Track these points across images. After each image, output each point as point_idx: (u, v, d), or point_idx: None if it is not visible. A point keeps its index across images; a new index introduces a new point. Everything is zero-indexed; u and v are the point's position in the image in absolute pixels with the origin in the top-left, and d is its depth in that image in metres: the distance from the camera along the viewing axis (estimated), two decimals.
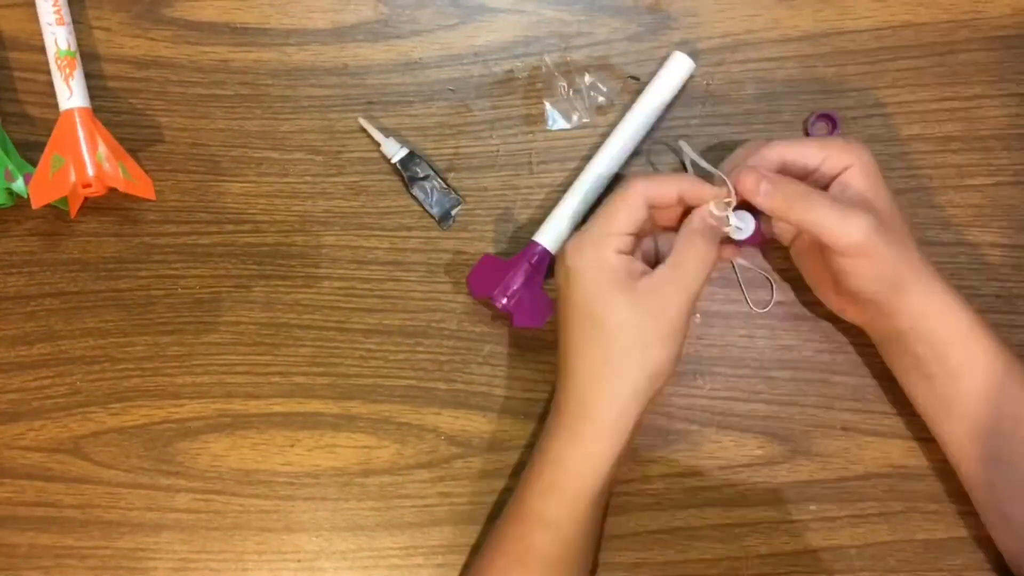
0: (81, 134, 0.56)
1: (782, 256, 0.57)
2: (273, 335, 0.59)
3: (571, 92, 0.58)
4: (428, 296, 0.58)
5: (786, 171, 0.50)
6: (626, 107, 0.57)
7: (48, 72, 0.57)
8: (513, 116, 0.58)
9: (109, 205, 0.59)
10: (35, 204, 0.55)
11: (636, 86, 0.57)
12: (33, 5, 0.57)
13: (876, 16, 0.57)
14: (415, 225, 0.59)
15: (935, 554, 0.57)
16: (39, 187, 0.55)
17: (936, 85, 0.57)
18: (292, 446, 0.59)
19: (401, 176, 0.58)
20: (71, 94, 0.56)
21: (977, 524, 0.55)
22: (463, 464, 0.58)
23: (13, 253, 0.59)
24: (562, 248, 0.52)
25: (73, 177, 0.55)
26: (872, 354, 0.55)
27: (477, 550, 0.57)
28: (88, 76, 0.58)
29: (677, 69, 0.56)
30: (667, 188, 0.50)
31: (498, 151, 0.58)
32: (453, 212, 0.58)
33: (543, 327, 0.56)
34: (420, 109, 0.59)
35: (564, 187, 0.57)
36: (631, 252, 0.50)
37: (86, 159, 0.55)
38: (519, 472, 0.58)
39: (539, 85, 0.58)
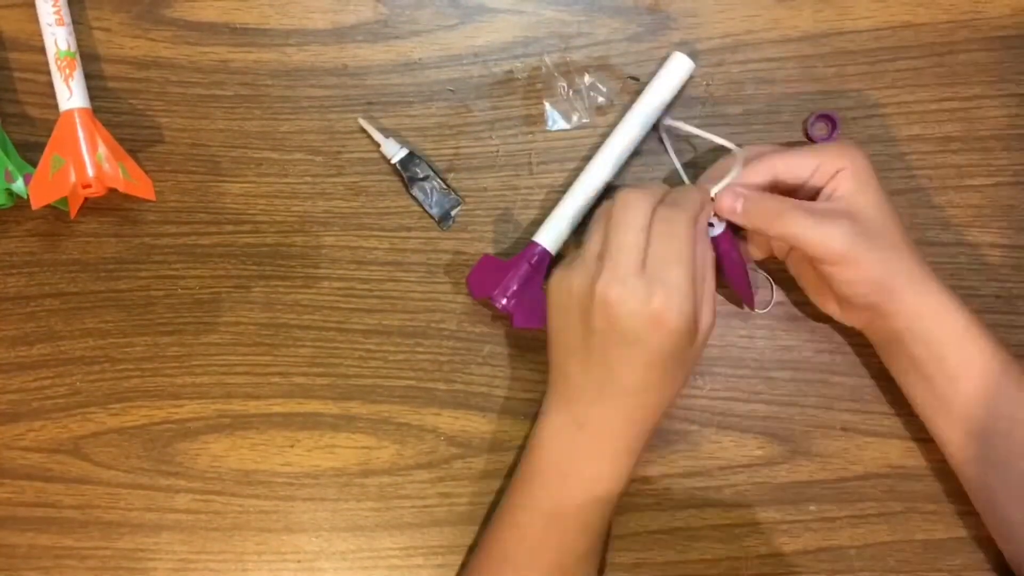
0: (81, 135, 0.56)
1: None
2: (273, 335, 0.59)
3: (571, 92, 0.58)
4: (428, 296, 0.58)
5: (779, 183, 0.51)
6: (626, 107, 0.57)
7: (48, 73, 0.57)
8: (513, 116, 0.58)
9: (109, 206, 0.59)
10: (35, 205, 0.55)
11: (636, 86, 0.57)
12: (33, 5, 0.57)
13: (876, 17, 0.57)
14: (415, 225, 0.59)
15: (934, 554, 0.57)
16: (39, 188, 0.55)
17: (936, 85, 0.57)
18: (292, 446, 0.59)
19: (401, 177, 0.58)
20: (71, 95, 0.56)
21: (976, 524, 0.55)
22: (463, 465, 0.58)
23: (13, 254, 0.59)
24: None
25: (73, 178, 0.55)
26: (871, 355, 0.55)
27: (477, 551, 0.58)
28: (88, 77, 0.58)
29: (677, 69, 0.56)
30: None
31: (498, 151, 0.58)
32: (453, 213, 0.58)
33: (543, 327, 0.56)
34: (420, 110, 0.59)
35: (564, 187, 0.57)
36: None
37: (86, 160, 0.55)
38: None
39: (539, 85, 0.58)
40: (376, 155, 0.58)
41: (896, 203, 0.55)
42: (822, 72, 0.57)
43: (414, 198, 0.58)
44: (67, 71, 0.56)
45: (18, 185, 0.56)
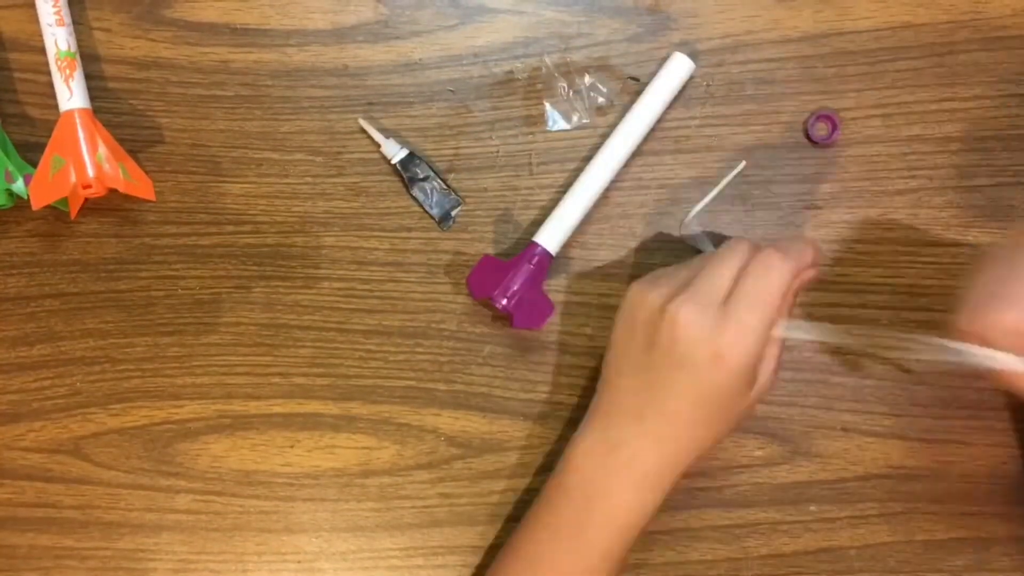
0: (81, 135, 0.56)
1: None
2: (273, 336, 0.59)
3: (571, 93, 0.58)
4: (428, 297, 0.58)
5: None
6: (626, 108, 0.57)
7: (48, 73, 0.57)
8: (513, 117, 0.58)
9: (109, 206, 0.59)
10: (35, 205, 0.55)
11: (636, 87, 0.57)
12: (33, 6, 0.57)
13: (876, 17, 0.57)
14: (415, 226, 0.59)
15: (935, 555, 0.57)
16: (39, 188, 0.55)
17: (936, 86, 0.57)
18: (292, 447, 0.59)
19: (401, 177, 0.58)
20: (71, 95, 0.56)
21: (977, 525, 0.55)
22: (463, 465, 0.58)
23: (13, 254, 0.59)
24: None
25: (73, 178, 0.55)
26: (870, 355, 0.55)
27: (476, 551, 0.57)
28: (88, 77, 0.58)
29: (677, 70, 0.56)
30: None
31: (498, 152, 0.58)
32: (453, 213, 0.58)
33: (543, 328, 0.56)
34: (420, 110, 0.59)
35: (564, 188, 0.57)
36: None
37: (86, 160, 0.55)
38: (519, 473, 0.58)
39: (539, 86, 0.58)
40: (376, 155, 0.58)
41: (896, 203, 0.55)
42: (822, 72, 0.57)
43: (414, 198, 0.58)
44: (67, 71, 0.56)
45: (18, 185, 0.56)
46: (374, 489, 0.58)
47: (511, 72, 0.58)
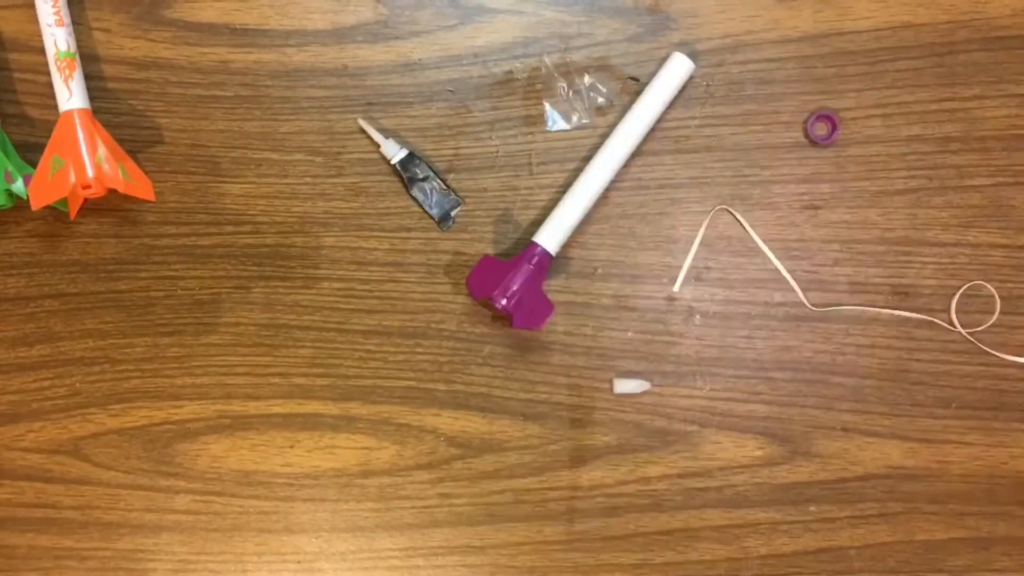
0: (81, 135, 0.56)
1: (781, 258, 0.57)
2: (273, 336, 0.59)
3: (571, 93, 0.58)
4: (428, 297, 0.58)
5: None
6: (626, 108, 0.57)
7: (48, 73, 0.57)
8: (513, 117, 0.58)
9: (109, 206, 0.59)
10: (35, 205, 0.55)
11: (636, 87, 0.57)
12: (33, 6, 0.57)
13: (876, 17, 0.57)
14: (415, 226, 0.59)
15: (935, 555, 0.57)
16: (39, 188, 0.55)
17: (936, 86, 0.57)
18: (292, 447, 0.59)
19: (401, 177, 0.58)
20: (71, 95, 0.56)
21: (977, 525, 0.55)
22: (463, 465, 0.58)
23: (13, 254, 0.59)
24: None
25: (73, 178, 0.55)
26: (871, 355, 0.55)
27: (476, 551, 0.57)
28: (88, 77, 0.58)
29: (677, 70, 0.56)
30: None
31: (498, 152, 0.58)
32: (453, 213, 0.58)
33: (543, 328, 0.56)
34: (420, 110, 0.59)
35: (564, 188, 0.57)
36: None
37: (86, 160, 0.55)
38: (519, 473, 0.58)
39: (539, 86, 0.58)
40: (376, 156, 0.58)
41: (896, 203, 0.55)
42: (822, 72, 0.57)
43: (414, 199, 0.58)
44: (67, 72, 0.56)
45: (18, 186, 0.56)
46: (374, 489, 0.58)
47: (511, 72, 0.58)
